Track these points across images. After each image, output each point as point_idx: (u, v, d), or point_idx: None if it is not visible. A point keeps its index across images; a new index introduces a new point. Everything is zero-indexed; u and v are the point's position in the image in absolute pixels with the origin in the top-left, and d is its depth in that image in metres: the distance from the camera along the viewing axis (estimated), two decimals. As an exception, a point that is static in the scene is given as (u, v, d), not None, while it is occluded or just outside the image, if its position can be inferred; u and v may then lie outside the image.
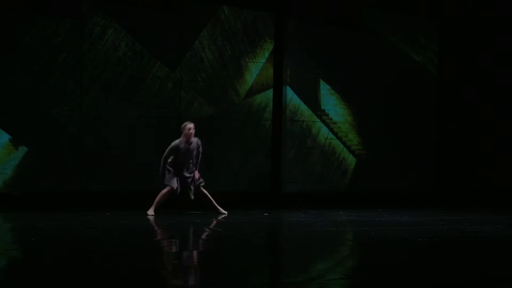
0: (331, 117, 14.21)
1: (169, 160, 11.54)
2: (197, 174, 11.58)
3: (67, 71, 12.91)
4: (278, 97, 13.96)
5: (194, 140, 11.60)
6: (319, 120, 14.07)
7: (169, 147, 11.59)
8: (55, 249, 8.06)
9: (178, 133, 13.42)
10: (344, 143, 14.25)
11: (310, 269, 6.97)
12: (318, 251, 8.18)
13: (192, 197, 11.51)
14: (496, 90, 15.20)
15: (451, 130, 15.21)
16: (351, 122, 14.34)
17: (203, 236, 9.26)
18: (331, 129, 14.20)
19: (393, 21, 14.73)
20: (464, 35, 15.20)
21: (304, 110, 13.98)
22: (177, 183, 11.39)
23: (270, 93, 13.98)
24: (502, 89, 15.14)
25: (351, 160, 14.30)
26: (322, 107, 14.16)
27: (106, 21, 13.09)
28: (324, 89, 14.15)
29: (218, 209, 11.56)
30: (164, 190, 11.35)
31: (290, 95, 13.91)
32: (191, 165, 11.53)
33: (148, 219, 10.53)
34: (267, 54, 13.97)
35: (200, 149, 11.62)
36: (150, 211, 11.14)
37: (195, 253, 7.82)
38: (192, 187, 11.49)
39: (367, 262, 7.21)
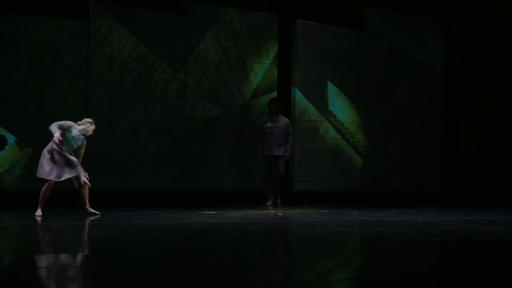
0: (338, 118, 14.25)
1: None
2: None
3: (72, 72, 12.93)
4: (285, 98, 13.98)
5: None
6: (326, 120, 14.08)
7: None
8: (76, 249, 8.04)
9: (183, 133, 13.49)
10: (351, 144, 14.30)
11: (328, 269, 7.03)
12: (332, 252, 8.22)
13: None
14: (501, 89, 15.33)
15: (457, 129, 15.30)
16: (358, 123, 14.39)
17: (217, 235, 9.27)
18: (338, 130, 14.23)
19: (398, 21, 14.80)
20: (469, 35, 15.31)
21: (312, 111, 13.94)
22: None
23: (274, 94, 14.01)
24: (507, 88, 15.28)
25: (358, 160, 14.36)
26: (330, 108, 14.19)
27: (111, 23, 13.11)
28: (332, 90, 14.18)
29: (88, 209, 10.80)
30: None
31: (298, 96, 13.91)
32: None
33: (161, 219, 10.50)
34: (272, 55, 14.01)
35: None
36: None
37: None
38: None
39: (381, 262, 7.25)
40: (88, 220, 10.24)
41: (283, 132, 13.10)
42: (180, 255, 7.61)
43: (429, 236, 9.15)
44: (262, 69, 13.97)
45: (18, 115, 12.59)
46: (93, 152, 12.71)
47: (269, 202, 13.05)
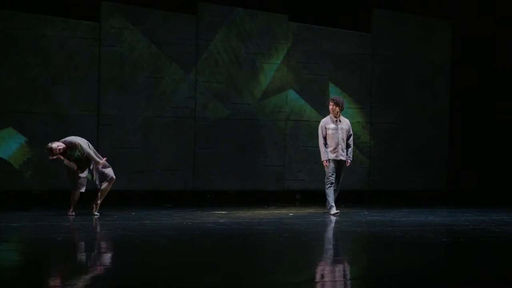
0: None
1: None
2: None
3: (84, 72, 12.94)
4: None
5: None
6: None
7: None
8: (86, 248, 8.07)
9: (193, 133, 13.51)
10: (356, 144, 14.30)
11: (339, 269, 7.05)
12: (345, 251, 8.23)
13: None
14: (510, 89, 15.32)
15: (464, 129, 15.29)
16: (363, 124, 14.40)
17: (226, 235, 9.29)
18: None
19: (405, 21, 14.78)
20: (477, 34, 15.30)
21: (310, 112, 14.00)
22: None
23: (284, 95, 14.01)
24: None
25: (364, 160, 14.36)
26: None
27: (122, 23, 13.13)
28: (333, 92, 14.18)
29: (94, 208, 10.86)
30: None
31: (295, 97, 14.00)
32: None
33: (172, 219, 10.53)
34: (281, 55, 14.01)
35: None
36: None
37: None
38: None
39: (392, 262, 7.27)
40: (99, 220, 10.27)
41: (346, 133, 11.76)
42: (191, 255, 7.63)
43: (440, 236, 9.16)
44: (272, 69, 13.96)
45: (29, 115, 12.62)
46: (104, 152, 12.78)
47: (334, 210, 11.38)
